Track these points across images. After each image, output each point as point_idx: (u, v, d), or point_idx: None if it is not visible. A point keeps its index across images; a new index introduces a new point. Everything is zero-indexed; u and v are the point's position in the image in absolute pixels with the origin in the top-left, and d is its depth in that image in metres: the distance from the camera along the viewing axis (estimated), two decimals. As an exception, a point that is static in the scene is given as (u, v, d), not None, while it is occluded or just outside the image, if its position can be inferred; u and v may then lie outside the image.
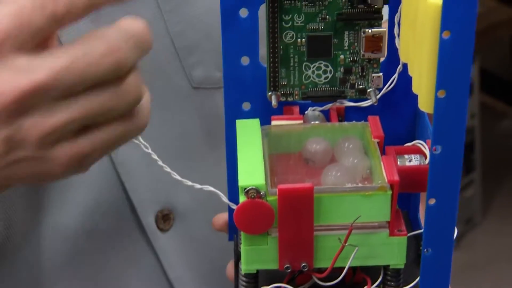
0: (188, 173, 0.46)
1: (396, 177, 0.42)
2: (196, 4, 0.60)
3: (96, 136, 0.39)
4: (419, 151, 0.45)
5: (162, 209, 0.60)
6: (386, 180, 0.43)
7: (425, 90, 0.41)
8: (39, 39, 0.39)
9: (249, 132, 0.46)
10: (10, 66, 0.38)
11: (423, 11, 0.40)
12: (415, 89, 0.43)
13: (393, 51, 0.47)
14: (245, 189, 0.42)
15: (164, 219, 0.61)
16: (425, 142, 0.46)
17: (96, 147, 0.39)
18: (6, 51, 0.38)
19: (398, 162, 0.44)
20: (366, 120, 0.48)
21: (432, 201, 0.40)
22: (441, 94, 0.39)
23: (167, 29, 0.60)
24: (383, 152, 0.45)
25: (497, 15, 1.90)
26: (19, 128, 0.38)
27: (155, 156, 0.44)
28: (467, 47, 0.38)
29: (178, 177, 0.45)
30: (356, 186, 0.43)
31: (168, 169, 0.45)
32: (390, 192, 0.43)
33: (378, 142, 0.45)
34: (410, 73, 0.44)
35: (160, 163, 0.44)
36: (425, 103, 0.41)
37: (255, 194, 0.42)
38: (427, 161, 0.45)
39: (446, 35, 0.38)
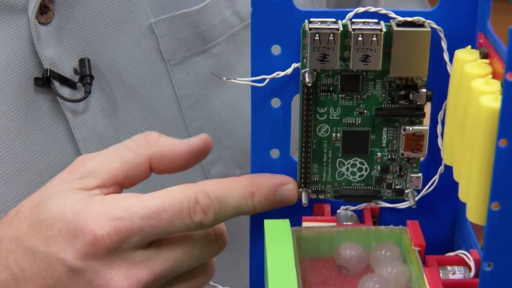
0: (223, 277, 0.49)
1: (441, 293, 0.39)
2: (215, 100, 0.58)
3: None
4: (462, 263, 0.42)
5: None
6: (429, 295, 0.39)
7: (475, 200, 0.37)
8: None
9: (278, 233, 0.43)
10: (129, 260, 0.42)
11: (476, 113, 0.37)
12: (462, 196, 0.39)
13: (434, 150, 0.44)
14: None
15: None
16: (467, 251, 0.42)
17: None
18: (127, 249, 0.42)
19: (441, 275, 0.41)
20: (402, 223, 0.44)
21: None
22: (495, 207, 0.36)
23: (186, 125, 0.58)
24: (423, 262, 0.42)
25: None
26: None
27: None
28: (527, 157, 0.35)
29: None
30: (396, 301, 0.39)
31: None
32: (432, 310, 0.39)
33: (419, 251, 0.42)
34: (456, 178, 0.41)
35: None
36: (475, 214, 0.38)
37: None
38: (471, 274, 0.41)
39: (503, 143, 0.35)
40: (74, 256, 0.42)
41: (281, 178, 0.44)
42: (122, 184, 0.45)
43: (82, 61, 0.55)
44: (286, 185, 0.44)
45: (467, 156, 0.38)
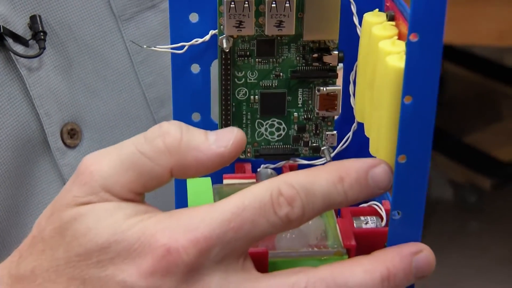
0: None
1: (353, 242, 0.41)
2: (166, 55, 0.59)
3: None
4: (375, 213, 0.44)
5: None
6: (342, 244, 0.41)
7: (384, 154, 0.40)
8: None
9: (200, 191, 0.45)
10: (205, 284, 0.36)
11: (382, 73, 0.39)
12: (372, 151, 0.42)
13: (348, 110, 0.46)
14: None
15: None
16: (380, 202, 0.45)
17: None
18: (206, 266, 0.36)
19: (354, 224, 0.43)
20: (320, 179, 0.46)
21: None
22: (402, 159, 0.38)
23: (138, 80, 0.59)
24: (338, 214, 0.44)
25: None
26: None
27: None
28: (429, 113, 0.37)
29: None
30: (312, 250, 0.41)
31: None
32: (346, 257, 0.41)
33: (334, 204, 0.44)
34: (366, 134, 0.43)
35: None
36: (384, 167, 0.40)
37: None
38: (383, 223, 0.44)
39: (408, 100, 0.37)
40: (139, 275, 0.36)
41: (371, 160, 0.39)
42: (141, 194, 0.39)
43: (33, 18, 0.55)
44: (378, 166, 0.38)
45: (376, 113, 0.41)
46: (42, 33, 0.55)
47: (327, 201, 0.37)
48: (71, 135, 0.59)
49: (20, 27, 0.55)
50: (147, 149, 0.38)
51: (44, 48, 0.55)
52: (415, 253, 0.38)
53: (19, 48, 0.55)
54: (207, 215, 0.36)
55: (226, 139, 0.38)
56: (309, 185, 0.37)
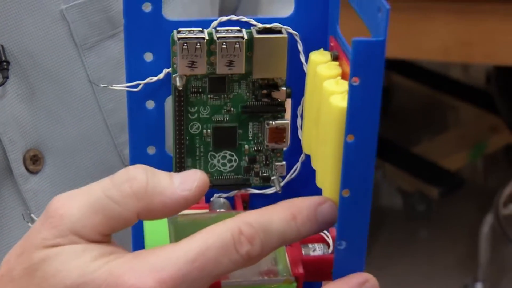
0: None
1: (301, 270, 0.44)
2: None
3: None
4: (322, 241, 0.47)
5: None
6: (290, 272, 0.44)
7: (329, 186, 0.43)
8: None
9: (156, 222, 0.47)
10: None
11: (326, 112, 0.42)
12: (318, 183, 0.44)
13: (296, 141, 0.49)
14: None
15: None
16: (327, 230, 0.48)
17: None
18: None
19: (303, 252, 0.46)
20: (270, 208, 0.49)
21: None
22: (346, 193, 0.41)
23: (100, 107, 0.61)
24: (287, 243, 0.47)
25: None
26: None
27: None
28: (370, 151, 0.40)
29: None
30: (263, 279, 0.44)
31: None
32: (295, 284, 0.44)
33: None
34: (313, 165, 0.46)
35: None
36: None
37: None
38: (330, 250, 0.46)
39: (350, 138, 0.40)
40: None
41: (318, 198, 0.42)
42: (108, 235, 0.40)
43: None
44: (324, 204, 0.41)
45: (321, 148, 0.43)
46: (5, 63, 0.57)
47: (282, 238, 0.40)
48: (34, 161, 0.61)
49: None
50: (115, 194, 0.39)
51: (7, 77, 0.57)
52: (362, 284, 0.41)
53: None
54: (173, 254, 0.38)
55: (190, 182, 0.40)
56: (266, 223, 0.39)
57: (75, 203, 0.39)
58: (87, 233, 0.39)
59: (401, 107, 2.31)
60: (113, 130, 0.64)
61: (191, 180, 0.40)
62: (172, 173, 0.41)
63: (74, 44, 0.60)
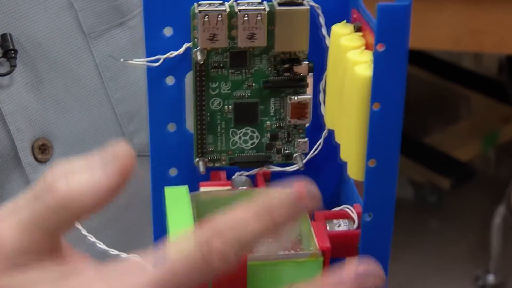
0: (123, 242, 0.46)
1: (327, 244, 0.43)
2: (134, 71, 0.60)
3: None
4: (347, 216, 0.46)
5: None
6: (317, 246, 0.43)
7: (354, 159, 0.42)
8: None
9: (178, 199, 0.46)
10: None
11: (351, 82, 0.41)
12: (343, 156, 0.44)
13: (318, 117, 0.48)
14: None
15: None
16: (351, 206, 0.47)
17: None
18: None
19: (327, 228, 0.45)
20: (293, 185, 0.48)
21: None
22: (372, 163, 0.40)
23: (108, 96, 0.60)
24: (312, 218, 0.46)
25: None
26: None
27: (84, 232, 0.43)
28: (396, 118, 0.39)
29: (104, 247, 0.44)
30: (289, 253, 0.43)
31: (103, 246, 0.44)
32: (321, 259, 0.43)
33: (307, 208, 0.46)
34: (337, 140, 0.45)
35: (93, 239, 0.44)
36: (355, 171, 0.42)
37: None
38: (355, 225, 0.46)
39: (376, 107, 0.39)
40: None
41: (294, 187, 0.37)
42: (57, 239, 0.38)
43: (3, 36, 0.57)
44: (305, 194, 0.37)
45: (345, 120, 0.43)
46: (13, 51, 0.57)
47: (259, 241, 0.37)
48: (42, 150, 0.61)
49: None
50: (42, 210, 0.37)
51: (15, 66, 0.57)
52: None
53: None
54: (136, 280, 0.35)
55: (111, 165, 0.37)
56: (241, 231, 0.36)
57: (8, 227, 0.37)
58: (35, 247, 0.37)
59: (412, 97, 2.29)
60: (121, 119, 0.64)
61: (111, 161, 0.37)
62: (92, 159, 0.38)
63: (82, 33, 0.60)
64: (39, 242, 0.37)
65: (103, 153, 0.37)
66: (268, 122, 0.48)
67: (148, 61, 0.46)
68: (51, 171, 0.37)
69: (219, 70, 0.47)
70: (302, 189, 0.37)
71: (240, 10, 0.45)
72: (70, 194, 0.37)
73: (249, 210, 0.37)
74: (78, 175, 0.37)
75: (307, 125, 0.49)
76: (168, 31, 0.46)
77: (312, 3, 0.46)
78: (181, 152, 0.49)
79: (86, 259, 0.39)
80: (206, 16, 0.44)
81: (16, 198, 0.38)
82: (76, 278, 0.36)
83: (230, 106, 0.48)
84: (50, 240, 0.37)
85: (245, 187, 0.49)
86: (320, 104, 0.48)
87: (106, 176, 0.37)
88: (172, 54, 0.46)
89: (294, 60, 0.47)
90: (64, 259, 0.38)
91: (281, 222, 0.37)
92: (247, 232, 0.36)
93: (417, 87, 2.30)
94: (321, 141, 0.49)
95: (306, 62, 0.47)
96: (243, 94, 0.48)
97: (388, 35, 0.38)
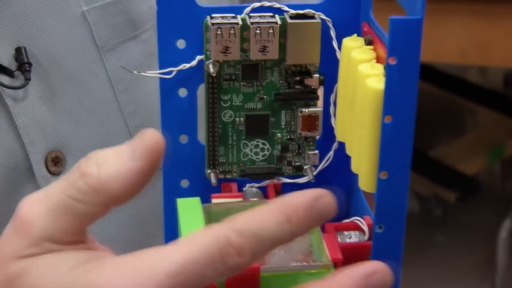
0: None
1: (339, 255, 0.44)
2: (146, 84, 0.61)
3: None
4: (357, 228, 0.47)
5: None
6: (329, 258, 0.44)
7: (366, 171, 0.42)
8: None
9: (191, 211, 0.47)
10: None
11: (362, 94, 0.42)
12: (354, 168, 0.44)
13: (328, 130, 0.49)
14: None
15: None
16: (361, 218, 0.47)
17: None
18: None
19: (339, 239, 0.46)
20: (303, 196, 0.49)
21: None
22: (383, 175, 0.40)
23: (120, 108, 0.61)
24: (323, 229, 0.46)
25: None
26: None
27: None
28: (408, 132, 0.40)
29: None
30: (302, 265, 0.43)
31: None
32: (333, 270, 0.43)
33: (318, 220, 0.46)
34: (348, 152, 0.45)
35: None
36: (366, 183, 0.42)
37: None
38: (365, 237, 0.46)
39: (388, 119, 0.39)
40: None
41: (314, 193, 0.38)
42: (82, 232, 0.39)
43: (18, 50, 0.57)
44: (322, 199, 0.38)
45: (357, 132, 0.43)
46: (27, 65, 0.57)
47: (275, 242, 0.37)
48: (55, 163, 0.61)
49: (6, 58, 0.57)
50: (74, 193, 0.38)
51: (29, 79, 0.57)
52: (368, 275, 0.38)
53: (4, 79, 0.57)
54: (155, 266, 0.36)
55: (140, 149, 0.38)
56: (258, 230, 0.36)
57: (39, 209, 0.38)
58: (60, 236, 0.38)
59: (418, 110, 2.30)
60: (134, 132, 0.64)
61: (140, 146, 0.38)
62: (123, 146, 0.38)
63: (95, 46, 0.61)
64: (67, 226, 0.38)
65: (133, 140, 0.38)
66: (279, 134, 0.49)
67: (161, 73, 0.47)
68: (84, 159, 0.38)
69: (231, 82, 0.47)
70: (321, 194, 0.37)
71: (252, 23, 0.45)
72: (102, 179, 0.38)
73: (267, 211, 0.37)
74: (109, 160, 0.38)
75: (317, 137, 0.49)
76: (181, 44, 0.47)
77: (324, 17, 0.46)
78: (192, 164, 0.49)
79: (108, 250, 0.40)
80: (219, 29, 0.45)
81: (50, 184, 0.39)
82: (96, 265, 0.37)
83: (241, 118, 0.48)
84: (78, 224, 0.38)
85: (256, 199, 0.49)
86: (330, 116, 0.48)
87: (136, 161, 0.38)
88: (185, 66, 0.47)
89: (305, 72, 0.47)
90: (88, 246, 0.39)
91: (298, 225, 0.37)
92: (264, 230, 0.36)
93: (423, 100, 2.29)
94: (331, 153, 0.49)
95: (317, 75, 0.47)
96: (255, 106, 0.48)
97: (400, 48, 0.38)
